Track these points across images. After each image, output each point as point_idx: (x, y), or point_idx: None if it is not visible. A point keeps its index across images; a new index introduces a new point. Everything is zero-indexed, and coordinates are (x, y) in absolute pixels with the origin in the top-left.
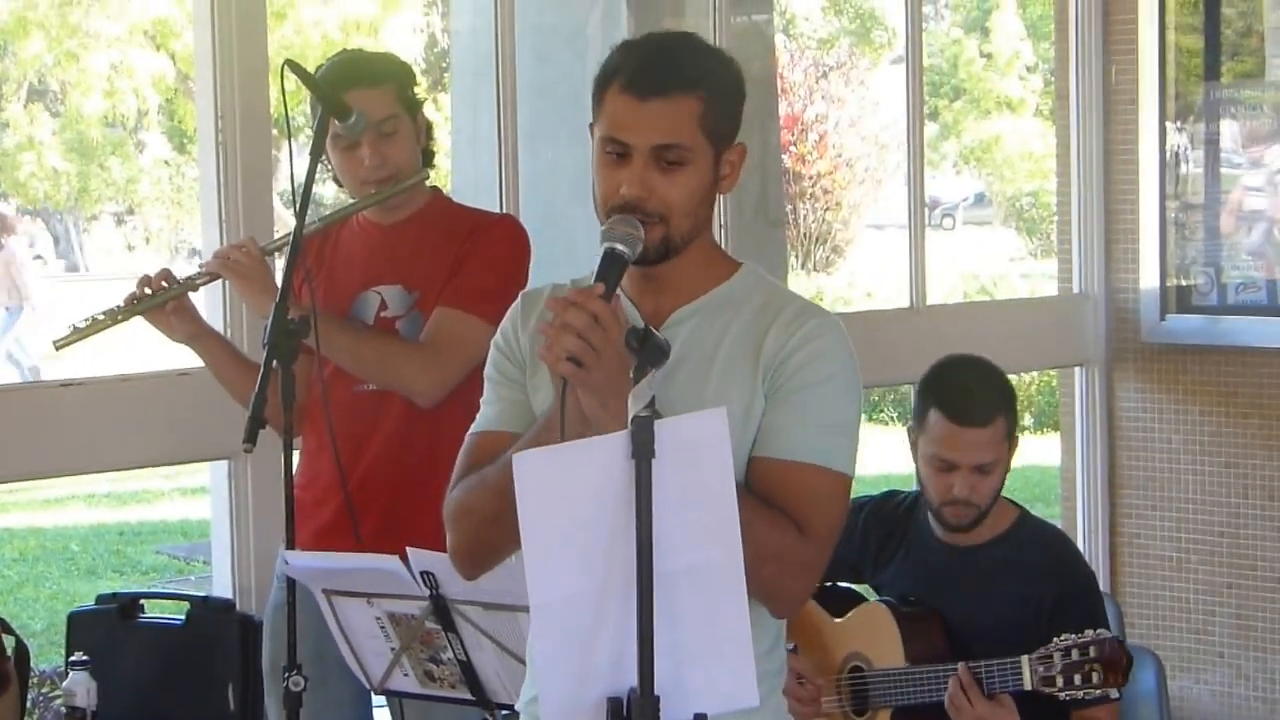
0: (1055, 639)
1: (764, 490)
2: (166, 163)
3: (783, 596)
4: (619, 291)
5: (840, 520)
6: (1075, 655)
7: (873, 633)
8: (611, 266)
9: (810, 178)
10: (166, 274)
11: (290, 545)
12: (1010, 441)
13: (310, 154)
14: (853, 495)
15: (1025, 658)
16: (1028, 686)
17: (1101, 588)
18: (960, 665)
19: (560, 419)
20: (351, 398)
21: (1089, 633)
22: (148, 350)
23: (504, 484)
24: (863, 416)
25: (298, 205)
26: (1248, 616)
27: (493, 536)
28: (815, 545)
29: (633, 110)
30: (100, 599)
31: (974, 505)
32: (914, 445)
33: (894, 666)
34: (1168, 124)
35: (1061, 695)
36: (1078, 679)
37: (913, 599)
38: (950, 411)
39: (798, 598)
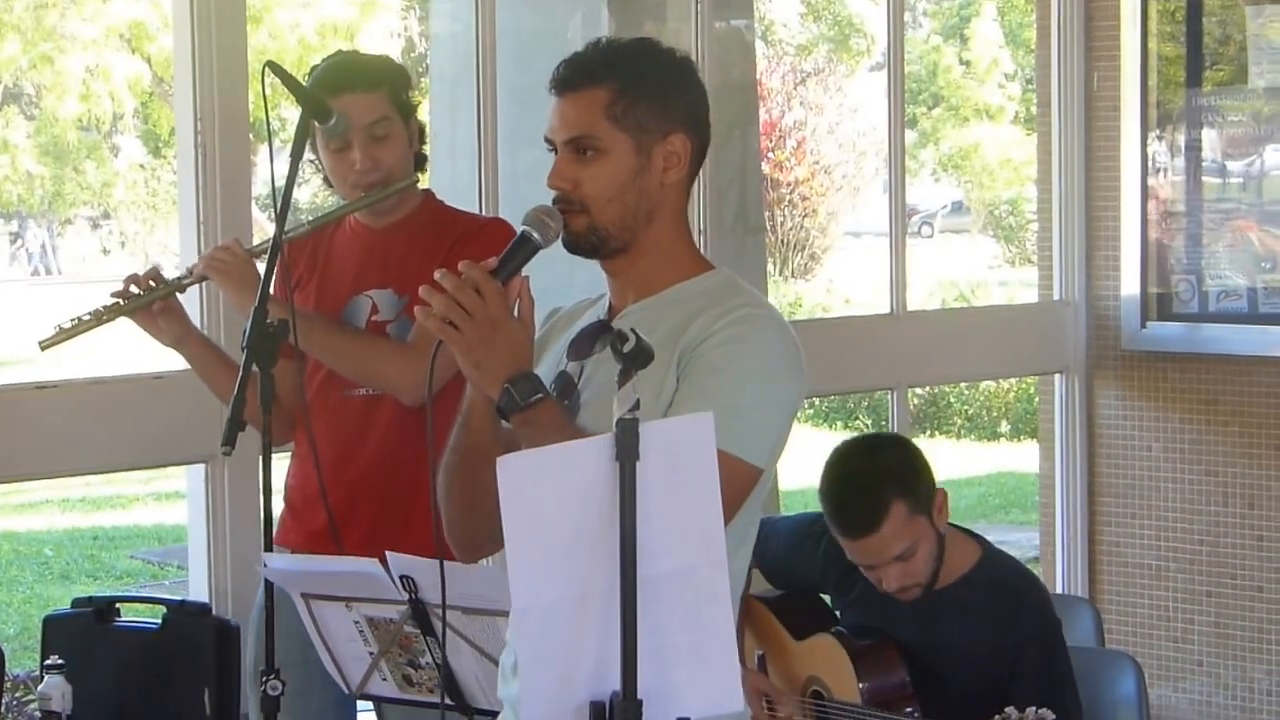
0: (997, 716)
1: None
2: (142, 166)
3: None
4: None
5: (730, 503)
6: None
7: (827, 663)
8: (519, 248)
9: (788, 184)
10: (155, 273)
11: (269, 549)
12: (925, 511)
13: (290, 156)
14: (818, 511)
15: None
16: None
17: (1080, 594)
18: None
19: (430, 376)
20: (343, 402)
21: (1030, 712)
22: (124, 353)
23: (448, 458)
24: (791, 419)
25: (277, 208)
26: (1227, 625)
27: (455, 514)
28: None
29: (554, 109)
30: (76, 603)
31: (912, 586)
32: None
33: (851, 702)
34: (1149, 131)
35: None
36: None
37: (869, 631)
38: (839, 528)
39: None
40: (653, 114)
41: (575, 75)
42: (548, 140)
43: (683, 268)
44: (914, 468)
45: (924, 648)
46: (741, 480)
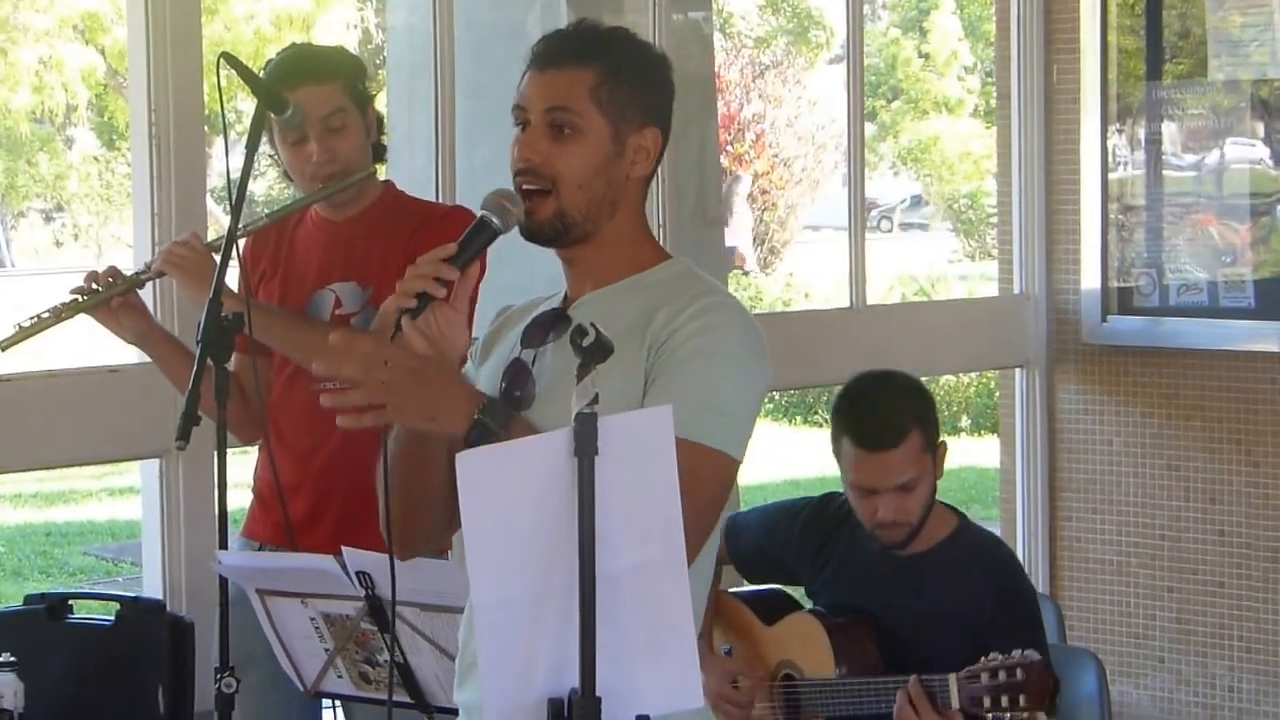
0: (983, 658)
1: None
2: (96, 159)
3: None
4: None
5: (718, 499)
6: (1002, 676)
7: (803, 643)
8: (477, 233)
9: None
10: (113, 271)
11: (224, 545)
12: (932, 451)
13: (246, 149)
14: (792, 498)
15: (953, 676)
16: (954, 705)
17: (1041, 591)
18: (912, 679)
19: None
20: (311, 397)
21: (1016, 653)
22: (78, 347)
23: (391, 448)
24: (760, 406)
25: (232, 201)
26: (1188, 620)
27: (393, 506)
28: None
29: (532, 81)
30: (29, 599)
31: (903, 524)
32: (839, 465)
33: (825, 678)
34: (1109, 125)
35: (988, 717)
36: (1004, 700)
37: (844, 609)
38: (858, 439)
39: None
40: (633, 104)
41: (561, 52)
42: (519, 110)
43: (642, 258)
44: (931, 407)
45: (899, 616)
46: (727, 474)
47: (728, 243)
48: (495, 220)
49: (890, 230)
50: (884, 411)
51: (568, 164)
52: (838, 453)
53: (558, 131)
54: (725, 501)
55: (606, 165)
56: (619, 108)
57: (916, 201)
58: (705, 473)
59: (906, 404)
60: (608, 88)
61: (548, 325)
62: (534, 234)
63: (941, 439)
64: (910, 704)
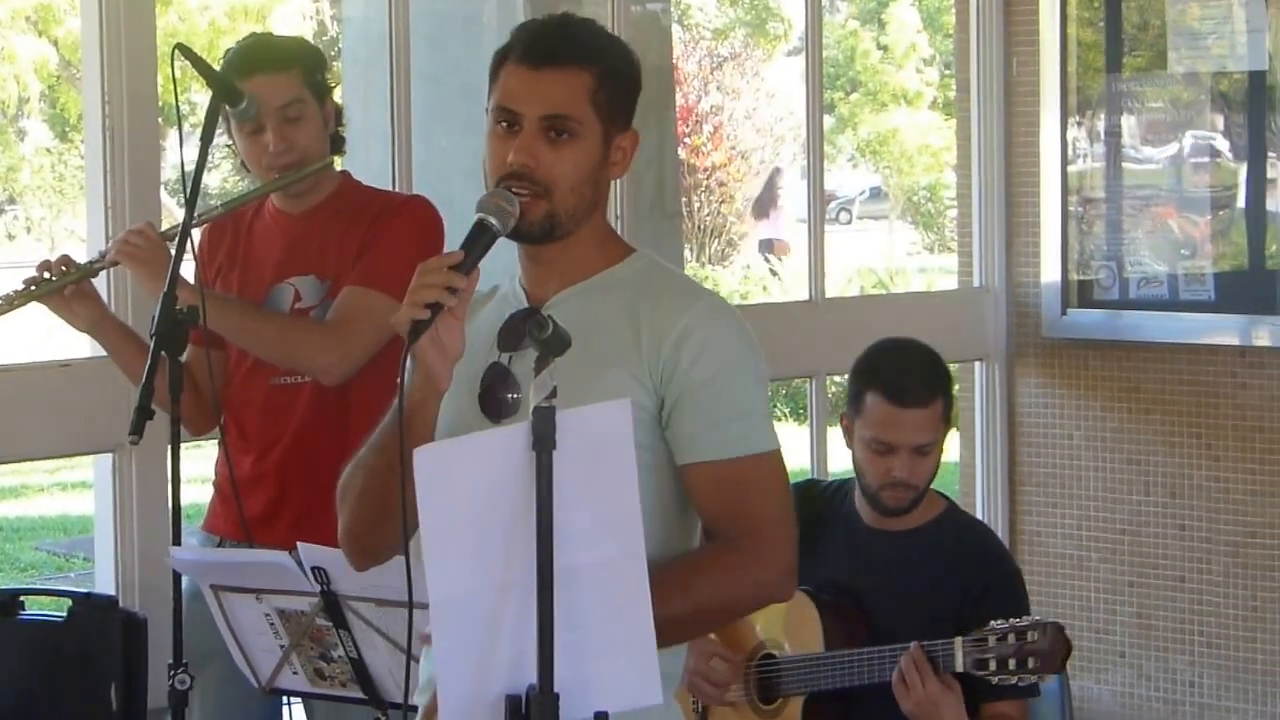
0: (992, 622)
1: (705, 494)
2: (49, 151)
3: (774, 600)
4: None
5: (786, 488)
6: (1012, 640)
7: (792, 621)
8: (478, 237)
9: (705, 170)
10: (66, 259)
11: (177, 540)
12: (947, 424)
13: (200, 140)
14: None
15: (959, 639)
16: (959, 668)
17: None
18: (913, 644)
19: (401, 377)
20: (269, 390)
21: (1027, 618)
22: (30, 341)
23: (373, 460)
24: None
25: (187, 192)
26: (1149, 616)
27: (366, 515)
28: (770, 540)
29: (525, 79)
30: None
31: (912, 487)
32: (848, 431)
33: (810, 653)
34: (1068, 117)
35: (993, 680)
36: (1012, 664)
37: (835, 587)
38: (889, 392)
39: (787, 592)
40: (622, 107)
41: (560, 51)
42: (508, 111)
43: (609, 254)
44: (951, 383)
45: (887, 593)
46: (778, 465)
47: (769, 234)
48: (495, 223)
49: (850, 222)
50: (915, 370)
51: (564, 169)
52: (855, 412)
53: (554, 136)
54: (789, 484)
55: (596, 169)
56: (612, 111)
57: (876, 193)
58: (765, 475)
59: (934, 370)
60: (605, 92)
61: (523, 325)
62: (522, 234)
63: (953, 417)
64: (915, 668)
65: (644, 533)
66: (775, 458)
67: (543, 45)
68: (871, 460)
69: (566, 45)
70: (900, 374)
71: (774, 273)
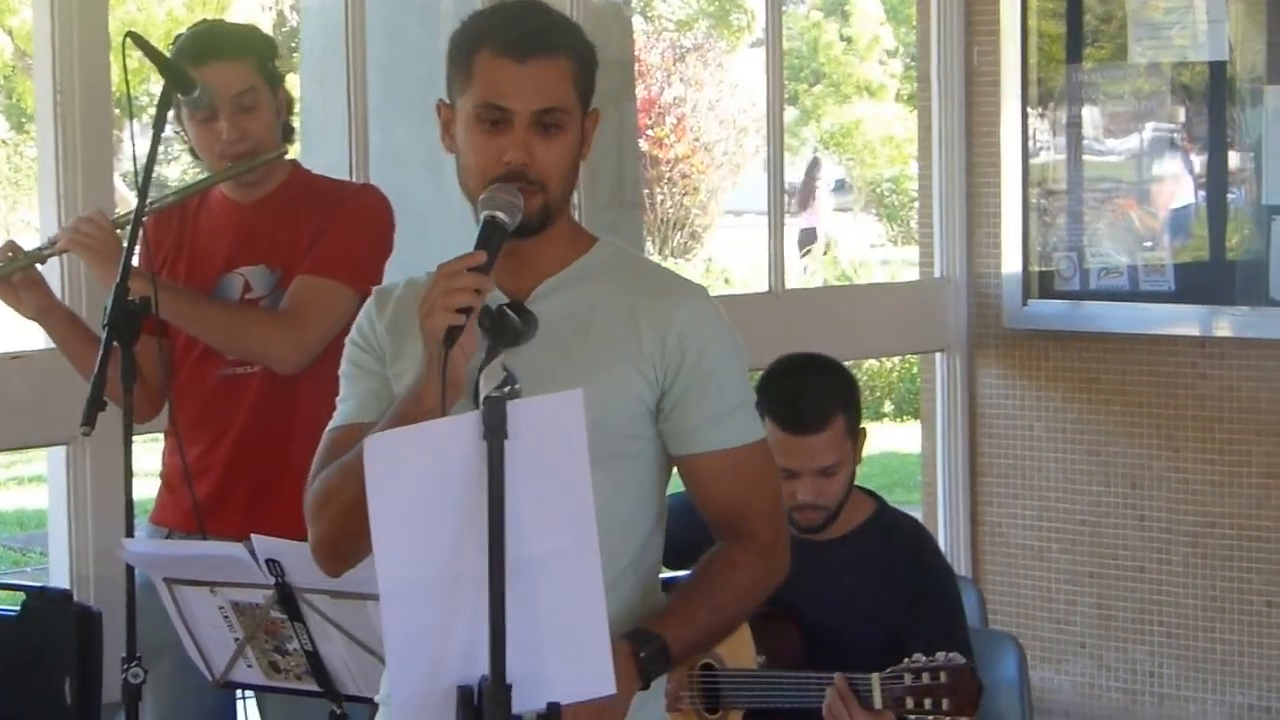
0: (906, 659)
1: (706, 482)
2: (4, 142)
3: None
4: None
5: (777, 476)
6: (926, 679)
7: None
8: (492, 235)
9: (668, 162)
10: (12, 246)
11: (131, 532)
12: (854, 437)
13: (152, 129)
14: None
15: (875, 676)
16: (877, 705)
17: (962, 574)
18: (837, 676)
19: (442, 384)
20: (218, 381)
21: (940, 656)
22: None
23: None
24: None
25: (140, 182)
26: (1109, 606)
27: (355, 524)
28: (771, 529)
29: (512, 74)
30: None
31: (822, 508)
32: None
33: (745, 668)
34: (1030, 108)
35: (910, 718)
36: (927, 703)
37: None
38: (781, 420)
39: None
40: (591, 87)
41: (544, 40)
42: (498, 109)
43: (578, 244)
44: (855, 392)
45: (819, 603)
46: (767, 449)
47: (808, 224)
48: (505, 219)
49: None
50: (809, 396)
51: (556, 161)
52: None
53: (545, 129)
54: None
55: (576, 156)
56: (586, 94)
57: (839, 185)
58: (763, 462)
59: (831, 388)
60: (585, 78)
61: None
62: (519, 229)
63: (862, 425)
64: (841, 700)
65: (624, 522)
66: (766, 445)
67: (525, 36)
68: (784, 483)
69: (549, 34)
70: (793, 400)
71: (806, 270)
